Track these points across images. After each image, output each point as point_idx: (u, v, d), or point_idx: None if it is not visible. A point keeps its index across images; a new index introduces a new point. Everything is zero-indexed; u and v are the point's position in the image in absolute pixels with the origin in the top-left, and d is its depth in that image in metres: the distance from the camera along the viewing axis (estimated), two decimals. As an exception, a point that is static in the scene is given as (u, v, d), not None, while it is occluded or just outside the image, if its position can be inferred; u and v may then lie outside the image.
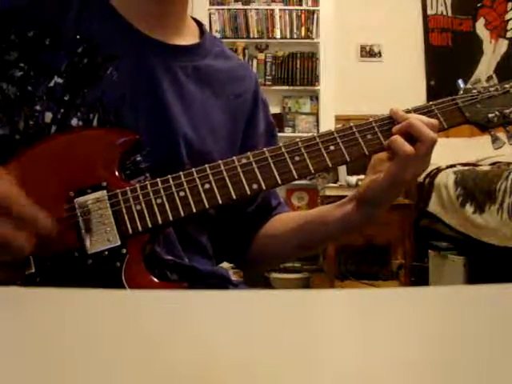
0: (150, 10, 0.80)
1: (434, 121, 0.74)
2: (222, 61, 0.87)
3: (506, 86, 0.81)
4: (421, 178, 2.88)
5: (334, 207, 0.82)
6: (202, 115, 0.80)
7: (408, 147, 0.71)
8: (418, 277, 2.96)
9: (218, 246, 0.86)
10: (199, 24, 0.89)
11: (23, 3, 0.76)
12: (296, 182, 3.57)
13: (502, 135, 0.80)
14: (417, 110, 0.76)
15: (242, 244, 0.88)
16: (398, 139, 0.72)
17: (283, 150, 0.71)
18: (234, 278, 0.88)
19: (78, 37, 0.75)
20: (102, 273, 0.65)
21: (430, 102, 0.78)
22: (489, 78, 0.83)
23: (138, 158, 0.74)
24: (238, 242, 0.88)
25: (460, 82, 0.82)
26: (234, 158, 0.71)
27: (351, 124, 0.74)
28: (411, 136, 0.72)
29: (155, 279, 0.66)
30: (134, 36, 0.78)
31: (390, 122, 0.75)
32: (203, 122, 0.80)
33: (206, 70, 0.83)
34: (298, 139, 0.73)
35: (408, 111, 0.76)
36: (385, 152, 0.75)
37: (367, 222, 0.79)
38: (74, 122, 0.73)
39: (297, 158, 0.71)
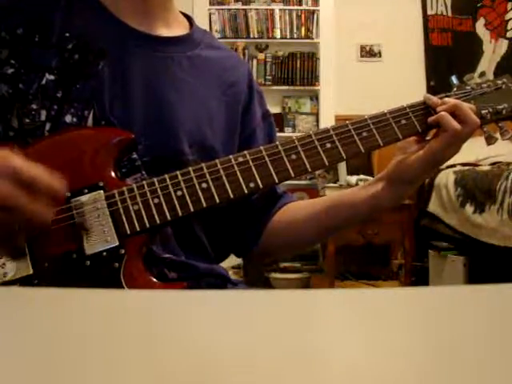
0: (136, 3, 0.80)
1: (473, 106, 0.76)
2: (212, 51, 0.87)
3: (499, 82, 0.81)
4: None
5: (359, 189, 0.83)
6: (199, 105, 0.80)
7: (457, 124, 0.73)
8: (418, 277, 2.96)
9: (224, 240, 0.85)
10: (188, 18, 0.90)
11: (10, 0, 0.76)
12: (296, 182, 3.53)
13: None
14: (411, 107, 0.77)
15: (252, 234, 0.86)
16: (448, 115, 0.73)
17: (280, 148, 0.71)
18: (233, 277, 0.87)
19: (67, 34, 0.75)
20: (101, 274, 0.64)
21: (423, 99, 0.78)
22: (481, 75, 0.83)
23: (134, 156, 0.73)
24: (248, 232, 0.87)
25: (453, 78, 0.82)
26: (231, 156, 0.71)
27: (347, 122, 0.74)
28: (455, 117, 0.73)
29: (154, 279, 0.66)
30: (122, 30, 0.78)
31: (383, 119, 0.75)
32: (201, 113, 0.80)
33: (198, 61, 0.83)
34: (294, 137, 0.73)
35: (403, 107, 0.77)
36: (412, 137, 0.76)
37: (398, 201, 0.80)
38: (68, 118, 0.72)
39: (293, 157, 0.71)
